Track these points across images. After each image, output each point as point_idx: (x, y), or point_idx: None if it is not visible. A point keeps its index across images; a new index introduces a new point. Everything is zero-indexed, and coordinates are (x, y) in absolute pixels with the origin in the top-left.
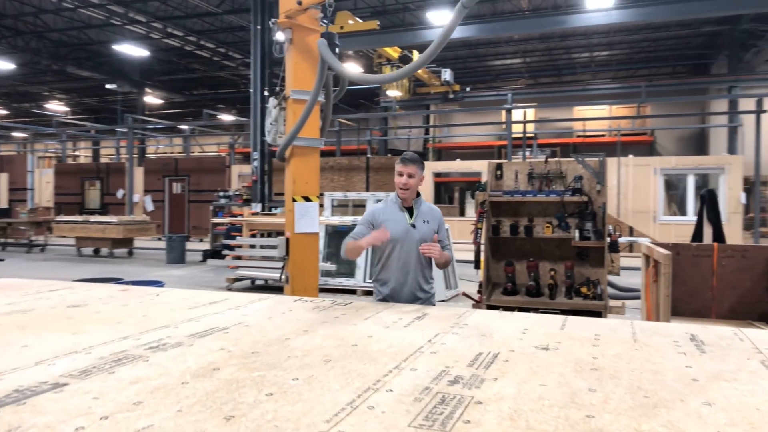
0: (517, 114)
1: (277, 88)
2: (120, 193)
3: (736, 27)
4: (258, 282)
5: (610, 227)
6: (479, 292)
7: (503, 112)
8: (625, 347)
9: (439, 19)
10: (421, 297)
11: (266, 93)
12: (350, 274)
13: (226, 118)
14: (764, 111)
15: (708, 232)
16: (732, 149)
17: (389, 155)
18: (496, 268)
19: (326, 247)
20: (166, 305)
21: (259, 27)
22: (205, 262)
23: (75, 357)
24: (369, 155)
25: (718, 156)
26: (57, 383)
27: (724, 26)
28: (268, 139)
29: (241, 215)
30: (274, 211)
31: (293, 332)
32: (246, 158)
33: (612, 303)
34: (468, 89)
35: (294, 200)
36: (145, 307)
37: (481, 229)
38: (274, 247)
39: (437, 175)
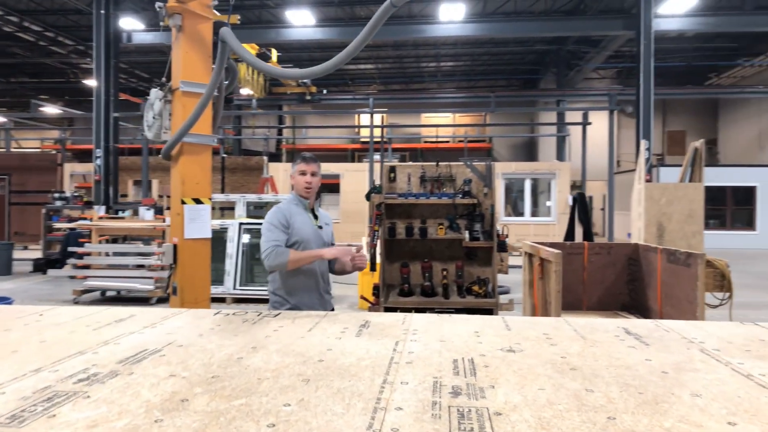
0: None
1: (163, 79)
2: None
3: (563, 47)
4: (109, 293)
5: (499, 228)
6: (375, 294)
7: (356, 116)
8: (580, 344)
9: (299, 19)
10: (326, 299)
11: (110, 86)
12: (218, 281)
13: (52, 110)
14: (590, 123)
15: (579, 231)
16: (560, 156)
17: (245, 156)
18: (389, 270)
19: None
20: (60, 327)
21: (103, 12)
22: (43, 273)
23: None
24: (224, 155)
25: (551, 162)
26: None
27: (553, 46)
28: (149, 135)
29: (89, 219)
30: (121, 214)
31: (241, 350)
32: (78, 156)
33: (501, 300)
34: (325, 92)
35: (183, 202)
36: (36, 331)
37: (378, 231)
38: (131, 254)
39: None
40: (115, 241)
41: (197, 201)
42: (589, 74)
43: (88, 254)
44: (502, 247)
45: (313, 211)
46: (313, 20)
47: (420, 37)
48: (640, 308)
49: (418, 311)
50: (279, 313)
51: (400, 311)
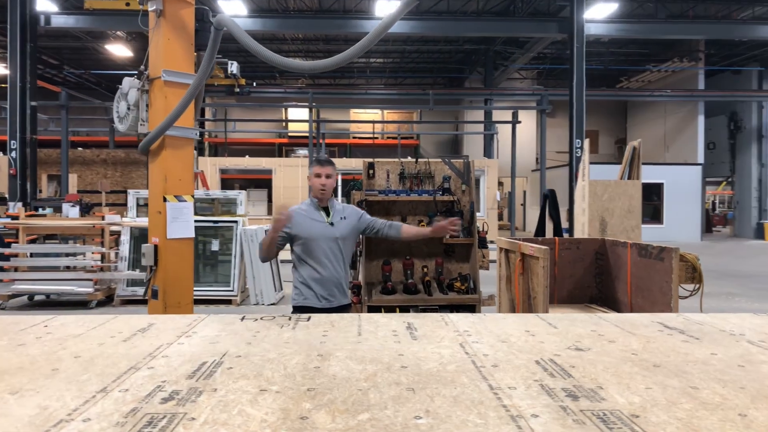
0: (298, 113)
1: (142, 67)
2: None
3: (491, 48)
4: (38, 297)
5: (479, 225)
6: (355, 293)
7: (284, 110)
8: (635, 340)
9: (231, 9)
10: (340, 296)
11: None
12: None
13: None
14: (519, 122)
15: (549, 227)
16: (488, 154)
17: None
18: (369, 268)
19: (132, 252)
20: (81, 339)
21: None
22: None
23: (70, 428)
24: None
25: (479, 159)
26: None
27: (481, 46)
28: (121, 127)
29: (13, 217)
30: (42, 211)
31: (308, 358)
32: None
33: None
34: (255, 84)
35: (165, 200)
36: (57, 345)
37: None
38: (68, 255)
39: (223, 171)
40: (34, 241)
41: (180, 198)
42: (512, 74)
43: (15, 255)
44: (483, 243)
45: (327, 208)
46: (245, 10)
47: (352, 32)
48: (608, 301)
49: (402, 309)
50: (310, 317)
51: (385, 310)
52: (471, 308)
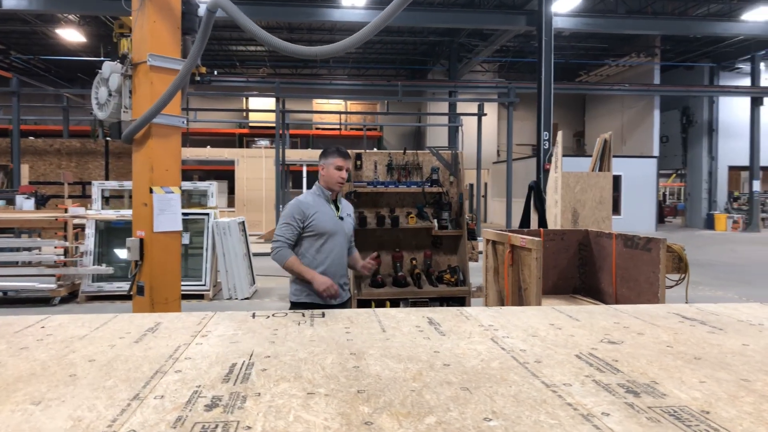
0: (259, 103)
1: (126, 50)
2: None
3: (456, 39)
4: None
5: (467, 217)
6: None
7: (244, 100)
8: (662, 332)
9: None
10: (344, 292)
11: None
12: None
13: None
14: (485, 114)
15: (534, 218)
16: (453, 146)
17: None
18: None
19: (97, 246)
20: (89, 341)
21: None
22: None
23: None
24: (107, 138)
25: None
26: None
27: (446, 38)
28: (101, 114)
29: None
30: None
31: (341, 357)
32: None
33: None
34: (216, 72)
35: (152, 191)
36: (64, 347)
37: None
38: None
39: (183, 162)
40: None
41: (167, 190)
42: (475, 67)
43: None
44: (472, 235)
45: (335, 202)
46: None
47: (316, 21)
48: (591, 291)
49: (392, 302)
50: (323, 313)
51: (375, 303)
52: (461, 300)
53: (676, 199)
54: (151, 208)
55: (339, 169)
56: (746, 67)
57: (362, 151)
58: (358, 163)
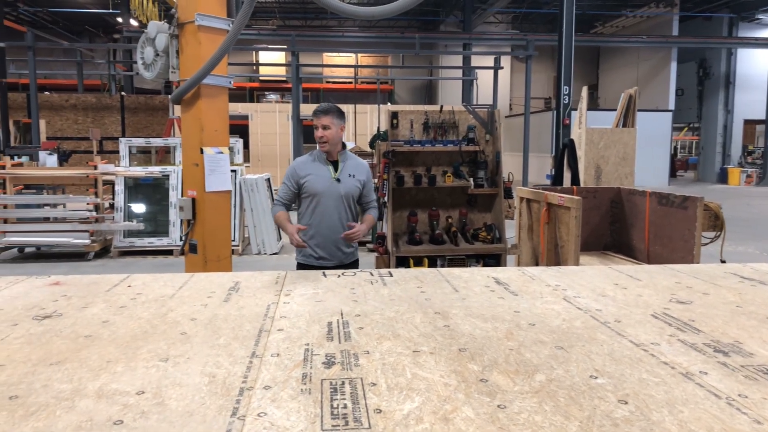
0: (268, 56)
1: (173, 11)
2: None
3: None
4: (28, 250)
5: (505, 175)
6: (379, 244)
7: (254, 53)
8: (728, 292)
9: None
10: (346, 252)
11: None
12: (163, 232)
13: None
14: (501, 67)
15: (567, 176)
16: (467, 100)
17: (147, 95)
18: (395, 219)
19: (127, 202)
20: (180, 300)
21: None
22: None
23: (260, 397)
24: (123, 93)
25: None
26: None
27: None
28: (147, 74)
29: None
30: (18, 159)
31: (428, 317)
32: None
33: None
34: None
35: (202, 152)
36: (163, 307)
37: (387, 180)
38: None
39: None
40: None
41: (217, 151)
42: (488, 18)
43: (4, 207)
44: (508, 193)
45: (336, 163)
46: None
47: None
48: (623, 247)
49: (430, 260)
50: (390, 272)
51: (413, 260)
52: (497, 257)
53: (688, 152)
54: (202, 168)
55: (315, 128)
56: (767, 17)
57: (398, 108)
58: (395, 122)
